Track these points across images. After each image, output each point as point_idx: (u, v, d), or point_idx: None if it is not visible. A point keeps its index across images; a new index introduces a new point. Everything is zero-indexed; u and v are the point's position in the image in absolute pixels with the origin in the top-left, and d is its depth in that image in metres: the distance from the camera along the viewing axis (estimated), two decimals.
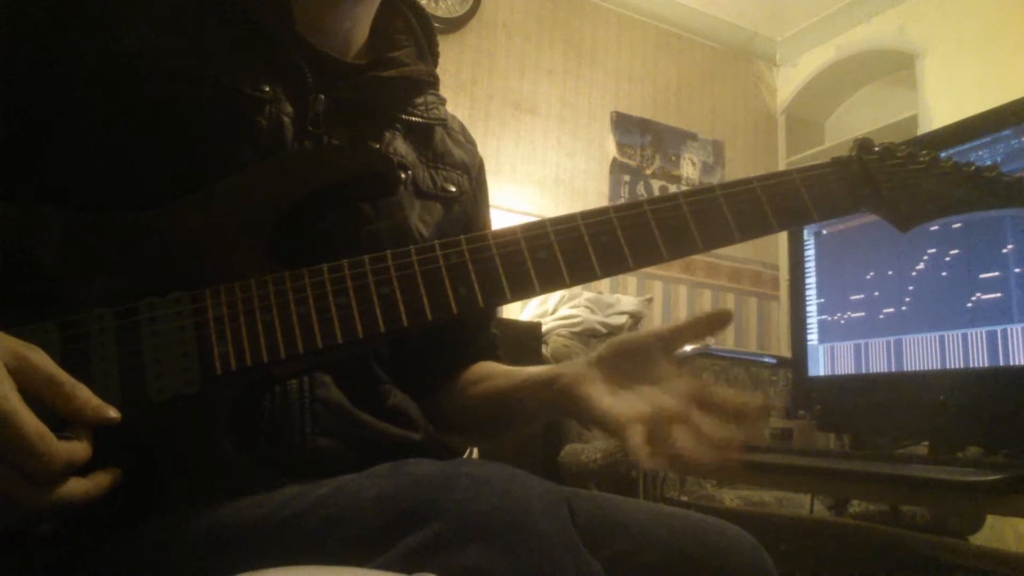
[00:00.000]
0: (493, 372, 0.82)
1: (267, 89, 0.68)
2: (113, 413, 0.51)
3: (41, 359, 0.49)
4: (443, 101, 0.83)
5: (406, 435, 0.70)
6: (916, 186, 0.67)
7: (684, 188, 3.88)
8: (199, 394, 0.57)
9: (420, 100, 0.80)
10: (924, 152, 0.69)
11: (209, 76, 0.66)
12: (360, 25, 0.78)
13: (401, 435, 0.70)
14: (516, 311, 3.03)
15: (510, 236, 0.62)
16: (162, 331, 0.57)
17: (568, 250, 0.62)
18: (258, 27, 0.69)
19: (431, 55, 0.83)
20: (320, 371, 0.65)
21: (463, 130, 0.89)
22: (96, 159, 0.64)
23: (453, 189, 0.81)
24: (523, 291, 0.61)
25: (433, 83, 0.81)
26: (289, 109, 0.69)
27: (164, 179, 0.63)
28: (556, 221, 0.63)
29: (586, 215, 0.63)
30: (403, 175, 0.75)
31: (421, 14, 0.84)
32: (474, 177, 0.86)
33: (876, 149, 0.68)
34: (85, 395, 0.50)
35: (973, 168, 0.68)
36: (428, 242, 0.73)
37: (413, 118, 0.78)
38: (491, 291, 0.61)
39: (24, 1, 0.65)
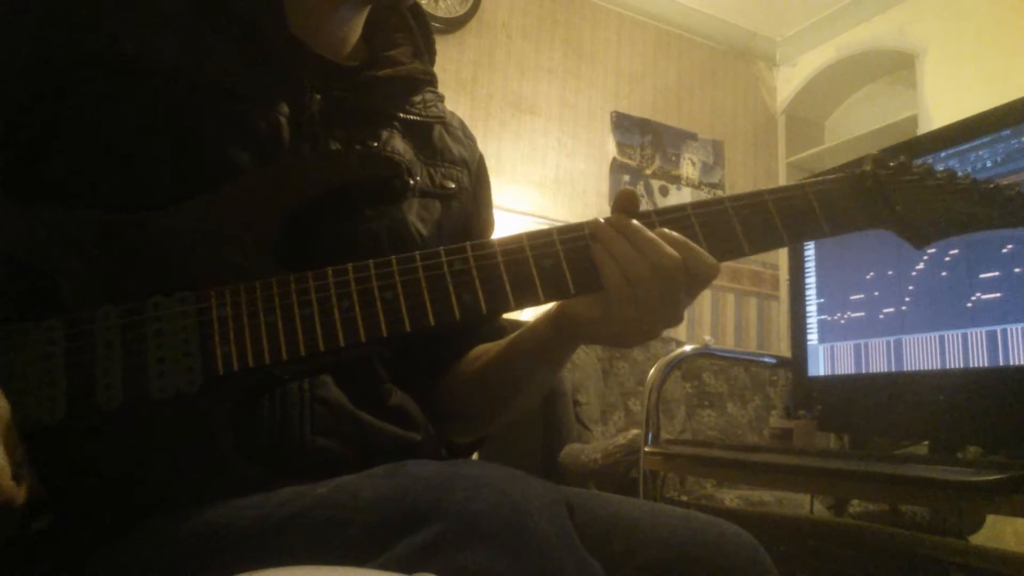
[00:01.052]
0: (493, 344, 0.81)
1: (263, 90, 0.68)
2: None
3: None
4: (441, 98, 0.83)
5: (407, 435, 0.70)
6: (932, 203, 0.66)
7: (684, 188, 3.88)
8: (201, 393, 0.57)
9: (418, 98, 0.79)
10: (941, 168, 0.68)
11: (206, 78, 0.66)
12: (355, 26, 0.78)
13: (401, 435, 0.70)
14: (516, 311, 3.02)
15: (516, 244, 0.62)
16: (166, 330, 0.57)
17: (574, 260, 0.62)
18: (254, 29, 0.69)
19: (428, 53, 0.83)
20: (321, 371, 0.65)
21: (462, 126, 0.88)
22: (97, 159, 0.64)
23: (452, 186, 0.81)
24: (527, 300, 0.62)
25: (430, 81, 0.81)
26: (286, 110, 0.69)
27: (164, 180, 0.63)
28: (563, 230, 0.63)
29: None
30: (412, 181, 0.75)
31: (418, 12, 0.84)
32: (473, 172, 0.86)
33: (891, 164, 0.67)
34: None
35: (992, 186, 0.66)
36: (427, 240, 0.73)
37: (411, 116, 0.78)
38: (495, 299, 0.61)
39: (25, 1, 0.66)
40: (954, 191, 0.66)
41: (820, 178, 0.67)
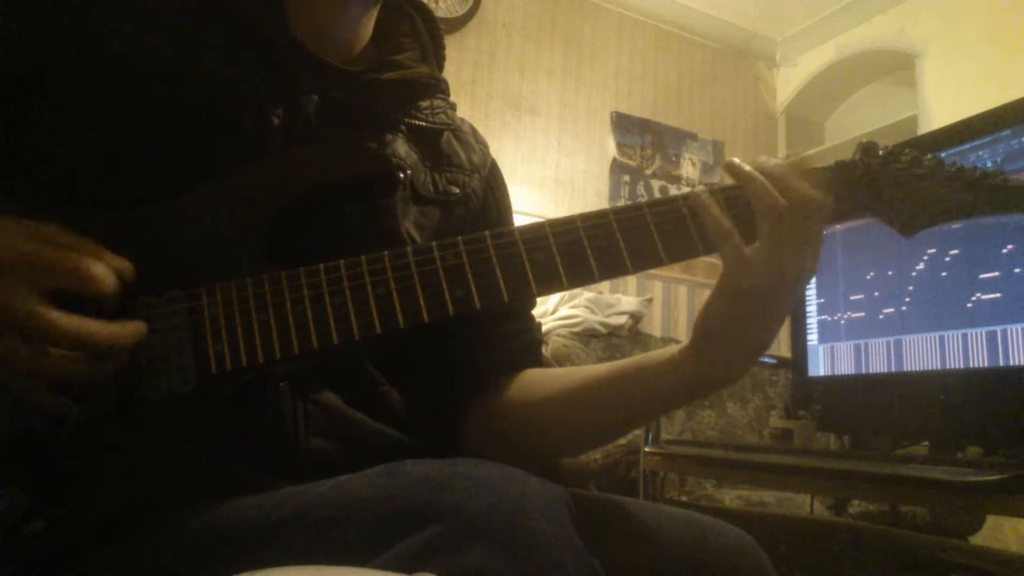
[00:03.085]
0: (567, 371, 0.75)
1: (255, 90, 0.67)
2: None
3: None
4: (452, 107, 0.82)
5: (403, 436, 0.70)
6: (920, 191, 0.66)
7: (684, 188, 3.88)
8: (194, 393, 0.57)
9: (425, 104, 0.78)
10: (929, 156, 0.67)
11: (198, 78, 0.65)
12: (360, 29, 0.77)
13: (398, 436, 0.70)
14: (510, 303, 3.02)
15: (508, 238, 0.62)
16: (158, 330, 0.57)
17: (566, 253, 0.62)
18: (251, 30, 0.69)
19: (436, 58, 0.81)
20: (315, 371, 0.65)
21: (474, 132, 0.86)
22: (88, 158, 0.64)
23: (456, 190, 0.79)
24: (520, 293, 0.61)
25: (436, 85, 0.79)
26: (278, 110, 0.68)
27: (152, 178, 0.63)
28: (554, 223, 0.63)
29: (585, 217, 0.63)
30: (401, 175, 0.74)
31: (428, 17, 0.82)
32: (484, 177, 0.83)
33: (880, 153, 0.67)
34: None
35: (979, 173, 0.66)
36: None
37: (416, 122, 0.77)
38: (488, 293, 0.61)
39: (16, 1, 0.65)
40: (942, 179, 0.66)
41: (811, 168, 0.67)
